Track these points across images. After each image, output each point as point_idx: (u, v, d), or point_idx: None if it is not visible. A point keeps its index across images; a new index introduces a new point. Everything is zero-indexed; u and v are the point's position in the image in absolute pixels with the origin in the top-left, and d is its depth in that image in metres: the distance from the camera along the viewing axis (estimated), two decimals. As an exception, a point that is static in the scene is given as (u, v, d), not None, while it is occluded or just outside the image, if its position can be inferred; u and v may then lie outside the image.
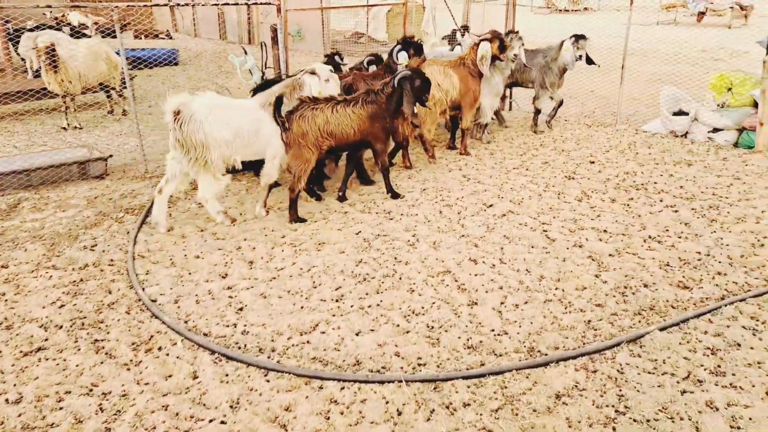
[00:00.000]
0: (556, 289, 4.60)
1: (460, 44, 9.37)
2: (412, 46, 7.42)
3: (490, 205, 6.25)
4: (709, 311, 4.16)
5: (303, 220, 5.93)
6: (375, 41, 19.12)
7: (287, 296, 4.59)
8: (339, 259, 5.13)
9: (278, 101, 5.76)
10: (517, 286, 4.63)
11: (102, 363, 3.82)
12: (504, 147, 8.32)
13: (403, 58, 7.27)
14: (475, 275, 4.82)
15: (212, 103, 5.50)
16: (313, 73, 6.37)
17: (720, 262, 4.90)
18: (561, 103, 9.01)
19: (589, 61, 8.59)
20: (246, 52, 8.06)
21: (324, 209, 6.24)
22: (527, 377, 3.58)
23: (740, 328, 3.96)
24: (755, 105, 7.78)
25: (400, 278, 4.81)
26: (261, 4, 9.06)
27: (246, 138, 5.65)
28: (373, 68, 7.74)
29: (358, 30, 19.42)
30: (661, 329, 3.98)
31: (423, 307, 4.38)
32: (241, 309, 4.41)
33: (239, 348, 3.94)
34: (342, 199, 6.43)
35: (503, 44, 7.57)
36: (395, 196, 6.48)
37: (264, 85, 6.84)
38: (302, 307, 4.43)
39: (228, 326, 4.19)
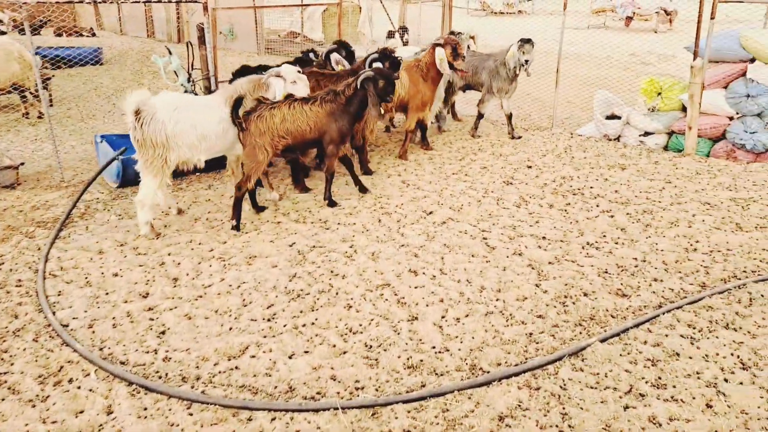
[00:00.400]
0: (497, 300, 4.48)
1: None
2: (389, 59, 7.18)
3: (430, 213, 6.10)
4: (647, 320, 4.12)
5: (238, 228, 5.64)
6: (311, 41, 18.78)
7: (214, 317, 4.29)
8: (271, 274, 4.85)
9: (237, 102, 5.58)
10: (458, 298, 4.49)
11: (3, 400, 3.43)
12: (443, 152, 8.21)
13: None
14: (415, 288, 4.64)
15: (176, 102, 5.42)
16: (278, 75, 6.16)
17: (656, 268, 4.91)
18: (510, 117, 8.80)
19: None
20: (171, 52, 7.62)
21: (256, 219, 5.94)
22: (469, 398, 3.42)
23: (678, 337, 3.94)
24: (684, 109, 7.96)
25: (337, 293, 4.58)
26: (187, 1, 8.65)
27: (213, 140, 5.59)
28: (335, 56, 7.58)
29: (294, 29, 19.02)
30: (602, 341, 3.91)
31: (361, 325, 4.17)
32: (163, 333, 4.07)
33: (160, 377, 3.61)
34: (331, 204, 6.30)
35: (456, 50, 7.40)
36: (332, 204, 6.24)
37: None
38: (231, 329, 4.14)
39: (148, 353, 3.85)
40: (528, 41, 7.97)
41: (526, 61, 7.98)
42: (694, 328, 4.05)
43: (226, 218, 5.91)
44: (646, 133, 8.35)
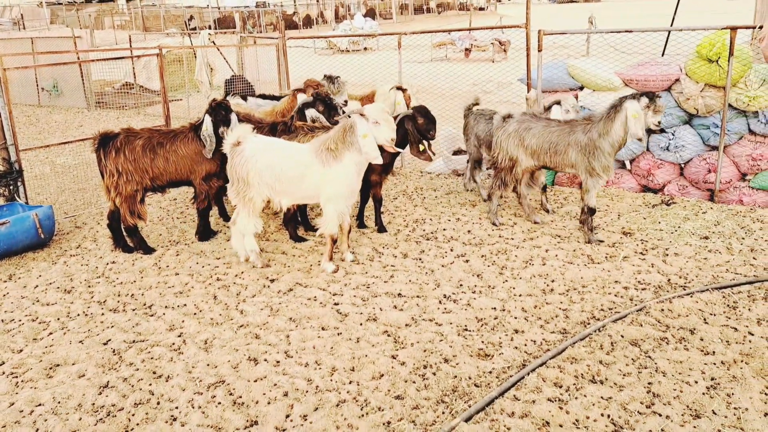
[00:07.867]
0: (350, 382, 3.91)
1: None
2: (323, 102, 6.52)
3: (273, 280, 5.45)
4: (512, 385, 3.75)
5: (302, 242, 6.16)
6: (149, 91, 17.58)
7: (-8, 463, 3.33)
8: (76, 388, 3.94)
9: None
10: (306, 387, 3.86)
11: None
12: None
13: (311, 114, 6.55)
14: (255, 381, 3.96)
15: (267, 142, 5.53)
16: (361, 114, 5.34)
17: (516, 318, 4.61)
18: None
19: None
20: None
21: (64, 313, 4.96)
22: None
23: (546, 402, 3.59)
24: (525, 139, 8.00)
25: (158, 403, 3.78)
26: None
27: (286, 183, 5.41)
28: (312, 112, 6.52)
29: (128, 80, 17.71)
30: (467, 420, 3.46)
31: (185, 444, 3.41)
32: None
33: None
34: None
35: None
36: (382, 230, 6.49)
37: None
38: (14, 478, 3.21)
39: None
40: (657, 95, 5.49)
41: (659, 123, 5.50)
42: (561, 387, 3.73)
43: (24, 317, 4.88)
44: (493, 166, 8.30)
